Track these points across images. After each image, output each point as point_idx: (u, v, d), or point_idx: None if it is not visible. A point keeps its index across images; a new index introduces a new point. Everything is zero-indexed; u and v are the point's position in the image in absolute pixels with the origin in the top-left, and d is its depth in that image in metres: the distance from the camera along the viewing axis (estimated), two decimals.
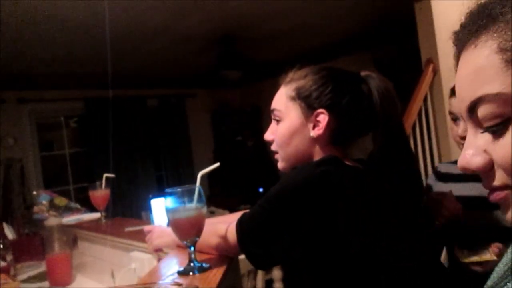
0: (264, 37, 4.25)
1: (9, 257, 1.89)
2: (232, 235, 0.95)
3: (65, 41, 3.59)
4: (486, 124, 0.43)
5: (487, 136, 0.44)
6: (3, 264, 1.84)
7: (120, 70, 4.60)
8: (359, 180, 0.91)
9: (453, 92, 1.37)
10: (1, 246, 1.92)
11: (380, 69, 4.84)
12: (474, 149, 0.45)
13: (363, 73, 1.04)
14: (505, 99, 0.40)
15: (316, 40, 4.67)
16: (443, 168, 1.49)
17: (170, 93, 5.82)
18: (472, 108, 0.44)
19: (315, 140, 1.01)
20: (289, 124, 1.03)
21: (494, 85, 0.41)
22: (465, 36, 0.46)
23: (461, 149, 1.37)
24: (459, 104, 0.47)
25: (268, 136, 1.09)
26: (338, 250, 0.86)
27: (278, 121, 1.06)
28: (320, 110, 0.99)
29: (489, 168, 0.44)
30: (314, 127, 1.00)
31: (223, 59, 4.38)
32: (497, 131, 0.43)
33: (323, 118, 0.99)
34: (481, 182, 0.47)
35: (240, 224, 0.94)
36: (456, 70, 0.49)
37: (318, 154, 1.02)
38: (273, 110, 1.07)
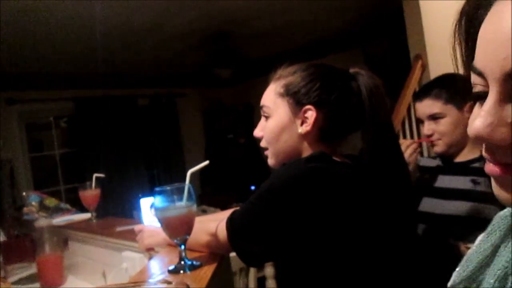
0: (255, 34, 4.25)
1: None
2: (223, 233, 0.95)
3: (54, 41, 3.56)
4: None
5: None
6: None
7: (110, 70, 4.57)
8: (347, 176, 0.91)
9: (416, 97, 1.48)
10: None
11: (371, 65, 4.85)
12: (497, 119, 0.39)
13: (352, 70, 1.04)
14: None
15: (308, 38, 4.68)
16: (422, 162, 1.57)
17: (161, 92, 5.79)
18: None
19: (304, 136, 1.01)
20: (278, 120, 1.03)
21: None
22: None
23: (410, 154, 1.44)
24: (491, 61, 0.39)
25: (257, 132, 1.09)
26: (327, 245, 0.86)
27: (267, 117, 1.06)
28: (308, 106, 0.99)
29: (509, 143, 0.38)
30: (302, 124, 1.00)
31: (214, 57, 4.37)
32: None
33: (311, 114, 0.99)
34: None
35: (231, 221, 0.94)
36: (469, 19, 0.43)
37: (307, 151, 1.02)
38: (262, 107, 1.08)
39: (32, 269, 1.97)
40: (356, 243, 0.86)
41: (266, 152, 1.09)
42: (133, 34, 3.69)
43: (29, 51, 3.76)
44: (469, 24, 0.44)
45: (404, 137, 3.05)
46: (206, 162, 1.04)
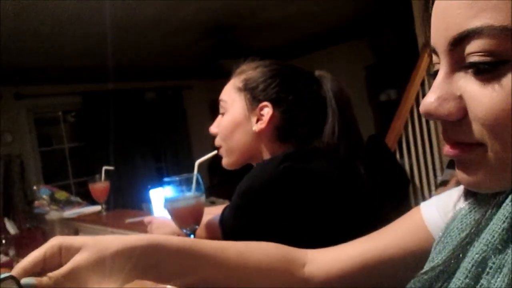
0: (260, 25, 4.23)
1: (11, 252, 1.90)
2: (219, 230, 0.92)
3: (61, 35, 3.57)
4: (473, 60, 0.33)
5: (468, 79, 0.35)
6: (5, 259, 1.85)
7: (116, 63, 4.58)
8: (325, 173, 0.86)
9: None
10: (3, 241, 1.92)
11: (378, 55, 4.81)
12: (445, 92, 0.36)
13: (317, 73, 1.00)
14: (510, 36, 0.31)
15: (313, 28, 4.64)
16: None
17: (168, 85, 5.80)
18: (458, 41, 0.34)
19: (258, 134, 0.96)
20: (233, 115, 0.99)
21: (500, 15, 0.31)
22: None
23: None
24: (437, 35, 0.37)
25: (213, 129, 1.04)
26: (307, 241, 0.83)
27: (223, 113, 1.02)
28: (265, 103, 0.94)
29: (459, 118, 0.36)
30: (257, 121, 0.95)
31: (219, 49, 4.36)
32: (483, 72, 0.33)
33: (267, 111, 0.94)
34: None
35: (221, 223, 0.91)
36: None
37: (263, 151, 0.97)
38: (219, 101, 1.03)
39: None
40: (337, 232, 0.83)
41: (220, 151, 1.03)
42: (138, 27, 3.69)
43: (37, 46, 3.77)
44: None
45: (413, 124, 3.03)
46: (214, 152, 1.05)
